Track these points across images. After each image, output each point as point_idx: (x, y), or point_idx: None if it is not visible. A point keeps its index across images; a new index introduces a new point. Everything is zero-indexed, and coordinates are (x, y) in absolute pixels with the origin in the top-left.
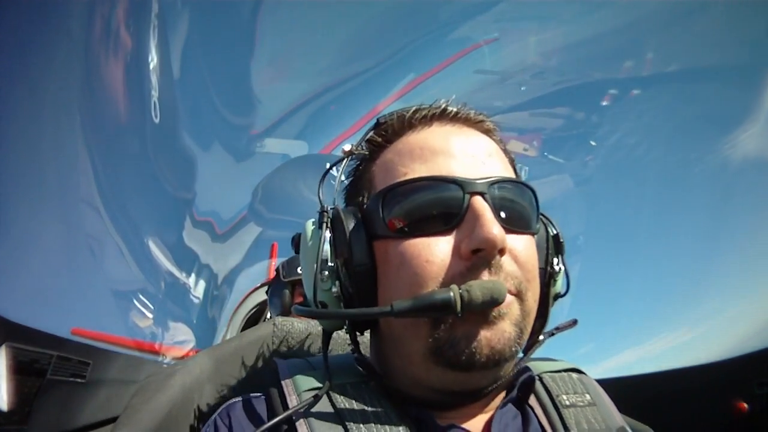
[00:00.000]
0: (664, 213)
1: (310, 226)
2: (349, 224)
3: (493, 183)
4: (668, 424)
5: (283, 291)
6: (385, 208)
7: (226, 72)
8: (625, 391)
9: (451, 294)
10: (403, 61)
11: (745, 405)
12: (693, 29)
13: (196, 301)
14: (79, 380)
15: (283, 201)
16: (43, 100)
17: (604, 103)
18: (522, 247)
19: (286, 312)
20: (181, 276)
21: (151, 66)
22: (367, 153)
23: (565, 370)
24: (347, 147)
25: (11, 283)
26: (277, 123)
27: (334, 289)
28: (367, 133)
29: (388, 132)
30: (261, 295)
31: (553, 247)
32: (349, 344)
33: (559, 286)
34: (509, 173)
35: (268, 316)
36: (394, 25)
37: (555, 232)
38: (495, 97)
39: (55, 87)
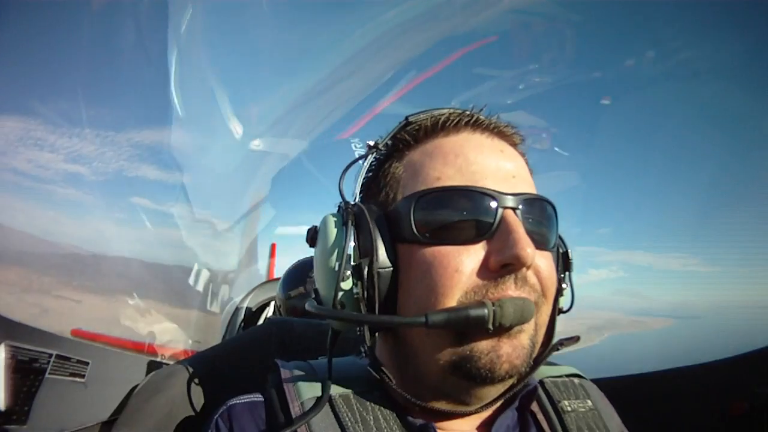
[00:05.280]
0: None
1: (332, 221)
2: (375, 224)
3: (524, 199)
4: (667, 424)
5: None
6: (417, 212)
7: (225, 70)
8: (624, 391)
9: (486, 311)
10: (401, 61)
11: (745, 405)
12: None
13: (195, 300)
14: (78, 380)
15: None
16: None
17: (604, 102)
18: (545, 263)
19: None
20: (180, 275)
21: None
22: (392, 149)
23: (567, 376)
24: (371, 142)
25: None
26: (278, 121)
27: (355, 290)
28: (394, 130)
29: (418, 132)
30: (261, 295)
31: (562, 264)
32: (361, 346)
33: (563, 301)
34: (534, 189)
35: (269, 313)
36: (394, 24)
37: (564, 250)
38: (494, 95)
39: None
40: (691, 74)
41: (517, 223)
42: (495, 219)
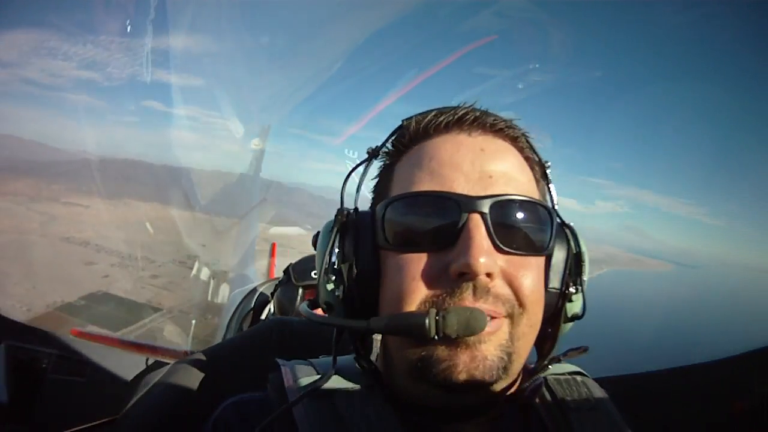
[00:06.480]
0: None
1: (325, 226)
2: (359, 230)
3: (496, 202)
4: (668, 422)
5: (292, 294)
6: (387, 219)
7: (225, 69)
8: (625, 390)
9: (427, 320)
10: (404, 59)
11: (746, 403)
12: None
13: (195, 300)
14: (78, 379)
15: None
16: None
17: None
18: (519, 270)
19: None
20: (181, 274)
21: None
22: (390, 155)
23: (570, 373)
24: (371, 148)
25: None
26: (279, 120)
27: (337, 292)
28: (392, 135)
29: (405, 137)
30: (261, 295)
31: (572, 266)
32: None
33: (577, 306)
34: (525, 188)
35: (271, 310)
36: (395, 24)
37: (577, 249)
38: (493, 94)
39: None
40: (718, 30)
41: (476, 229)
42: (458, 224)
